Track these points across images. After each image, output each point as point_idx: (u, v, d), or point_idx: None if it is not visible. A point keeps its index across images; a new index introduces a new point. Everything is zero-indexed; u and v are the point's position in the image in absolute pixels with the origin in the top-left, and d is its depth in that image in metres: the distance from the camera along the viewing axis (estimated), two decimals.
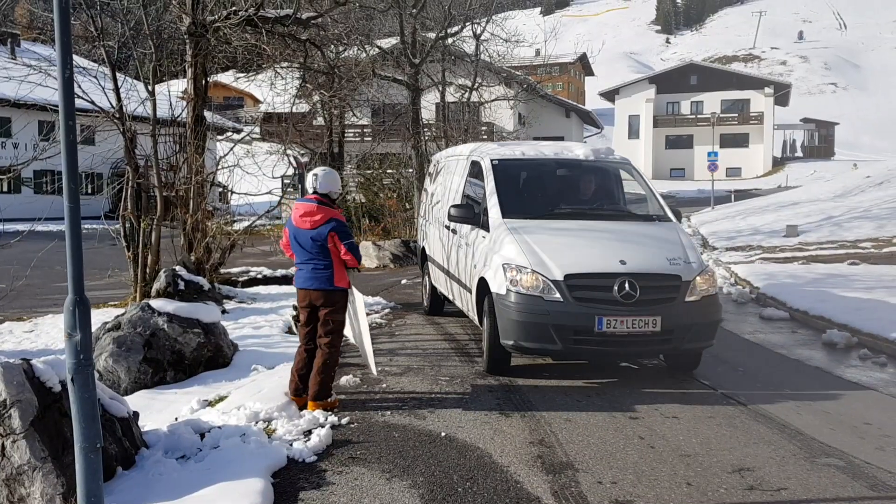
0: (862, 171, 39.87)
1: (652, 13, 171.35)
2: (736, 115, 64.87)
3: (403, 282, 14.34)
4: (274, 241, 14.98)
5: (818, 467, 4.85)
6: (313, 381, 5.95)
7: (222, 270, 11.88)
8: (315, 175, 6.00)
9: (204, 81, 10.96)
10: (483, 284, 7.10)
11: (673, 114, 67.56)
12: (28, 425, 4.10)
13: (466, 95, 25.16)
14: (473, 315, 7.73)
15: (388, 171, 26.45)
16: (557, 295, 6.41)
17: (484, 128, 33.80)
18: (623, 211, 8.29)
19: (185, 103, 11.12)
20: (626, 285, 6.39)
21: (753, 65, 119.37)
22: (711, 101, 65.89)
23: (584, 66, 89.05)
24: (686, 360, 7.23)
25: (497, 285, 6.71)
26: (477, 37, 24.27)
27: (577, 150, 8.44)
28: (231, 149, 11.71)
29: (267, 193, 11.58)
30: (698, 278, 6.74)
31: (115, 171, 25.01)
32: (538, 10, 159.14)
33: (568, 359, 7.18)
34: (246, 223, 13.19)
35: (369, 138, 36.28)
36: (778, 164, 65.96)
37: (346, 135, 32.14)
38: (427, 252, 10.30)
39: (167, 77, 11.83)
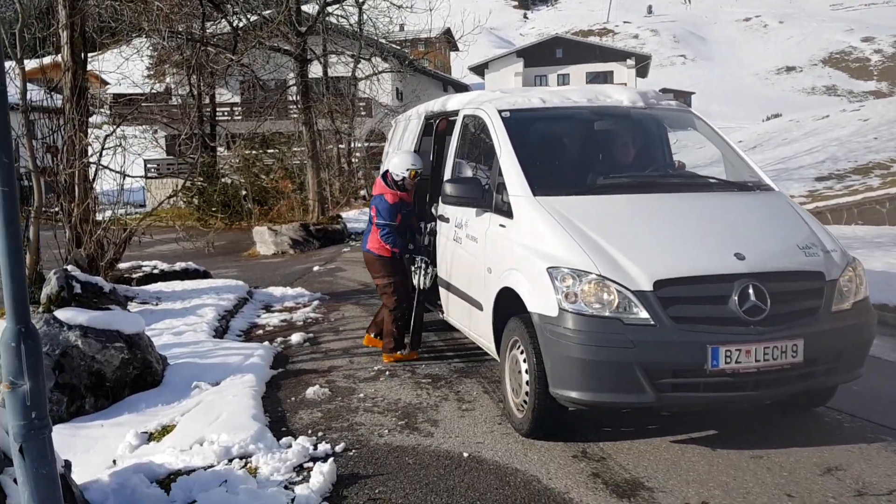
0: (730, 136, 41.56)
1: None
2: None
3: (316, 269, 13.13)
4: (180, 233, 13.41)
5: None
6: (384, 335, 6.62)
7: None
8: (387, 154, 7.03)
9: (83, 48, 9.29)
10: (507, 299, 4.86)
11: (541, 86, 68.42)
12: None
13: (352, 67, 23.85)
14: (486, 342, 5.50)
15: (269, 150, 24.75)
16: (645, 314, 4.10)
17: (363, 103, 32.41)
18: (706, 178, 5.85)
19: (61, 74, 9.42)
20: (751, 293, 4.14)
21: (609, 38, 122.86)
22: (577, 74, 67.14)
23: (448, 41, 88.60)
24: (812, 398, 4.98)
25: (540, 302, 4.38)
26: (360, 6, 22.99)
27: (616, 94, 6.14)
28: (117, 126, 10.08)
29: (185, 177, 10.08)
30: (843, 276, 4.53)
31: None
32: None
33: (663, 411, 4.98)
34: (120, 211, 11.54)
35: (239, 117, 34.13)
36: None
37: (217, 114, 30.07)
38: None
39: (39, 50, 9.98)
